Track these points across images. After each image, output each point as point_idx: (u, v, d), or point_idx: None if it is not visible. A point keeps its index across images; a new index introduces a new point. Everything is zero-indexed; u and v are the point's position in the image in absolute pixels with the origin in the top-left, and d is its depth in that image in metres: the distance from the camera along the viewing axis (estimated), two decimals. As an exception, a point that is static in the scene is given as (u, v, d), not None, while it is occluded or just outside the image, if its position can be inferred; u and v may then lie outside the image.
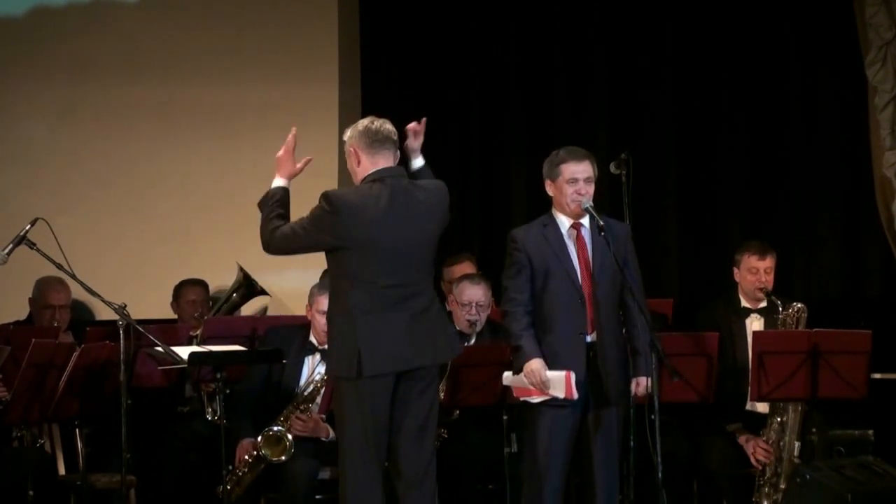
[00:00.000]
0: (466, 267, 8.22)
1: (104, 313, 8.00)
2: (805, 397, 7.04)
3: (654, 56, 9.53)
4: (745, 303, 7.66)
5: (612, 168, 6.72)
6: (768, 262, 7.65)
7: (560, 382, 6.10)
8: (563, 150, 6.41)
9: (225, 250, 9.05)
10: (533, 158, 9.57)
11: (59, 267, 6.45)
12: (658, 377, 6.43)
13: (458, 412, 7.15)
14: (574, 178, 6.30)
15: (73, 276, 6.47)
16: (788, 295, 7.72)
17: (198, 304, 8.36)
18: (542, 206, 9.70)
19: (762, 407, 7.37)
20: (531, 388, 6.16)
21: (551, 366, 6.14)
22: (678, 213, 9.51)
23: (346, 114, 9.41)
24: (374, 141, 5.97)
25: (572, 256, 6.27)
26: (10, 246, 6.45)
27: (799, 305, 7.41)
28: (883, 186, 9.21)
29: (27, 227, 6.49)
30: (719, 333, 7.35)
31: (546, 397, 6.15)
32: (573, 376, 6.09)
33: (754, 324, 7.59)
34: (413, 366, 5.85)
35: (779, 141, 9.50)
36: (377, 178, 5.91)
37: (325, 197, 5.87)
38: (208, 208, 9.18)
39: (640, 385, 6.26)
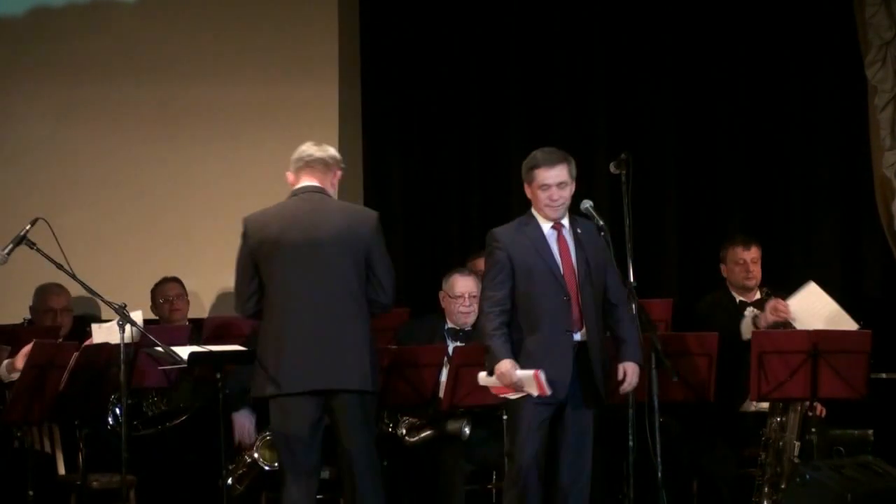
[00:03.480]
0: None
1: (104, 313, 8.00)
2: (805, 397, 7.04)
3: (653, 56, 9.53)
4: (738, 297, 7.67)
5: (612, 168, 6.67)
6: (753, 253, 7.68)
7: (531, 381, 6.04)
8: (538, 152, 6.33)
9: (225, 250, 9.03)
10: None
11: (60, 267, 6.45)
12: (658, 377, 6.44)
13: (465, 426, 7.13)
14: (545, 185, 6.23)
15: (73, 276, 6.46)
16: (788, 294, 7.72)
17: (172, 302, 8.33)
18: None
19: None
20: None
21: (539, 364, 6.09)
22: (678, 213, 9.51)
23: (346, 114, 9.42)
24: (297, 160, 6.33)
25: (555, 255, 6.21)
26: (10, 246, 6.44)
27: (799, 305, 7.42)
28: (883, 186, 9.21)
29: (27, 227, 6.48)
30: (720, 321, 7.38)
31: (523, 394, 6.12)
32: (542, 374, 6.02)
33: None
34: (319, 387, 6.04)
35: (779, 141, 9.51)
36: (293, 193, 6.29)
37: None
38: (208, 208, 9.17)
39: (629, 371, 6.21)
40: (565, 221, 6.27)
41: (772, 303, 7.38)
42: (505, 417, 6.73)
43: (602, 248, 6.26)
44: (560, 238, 6.24)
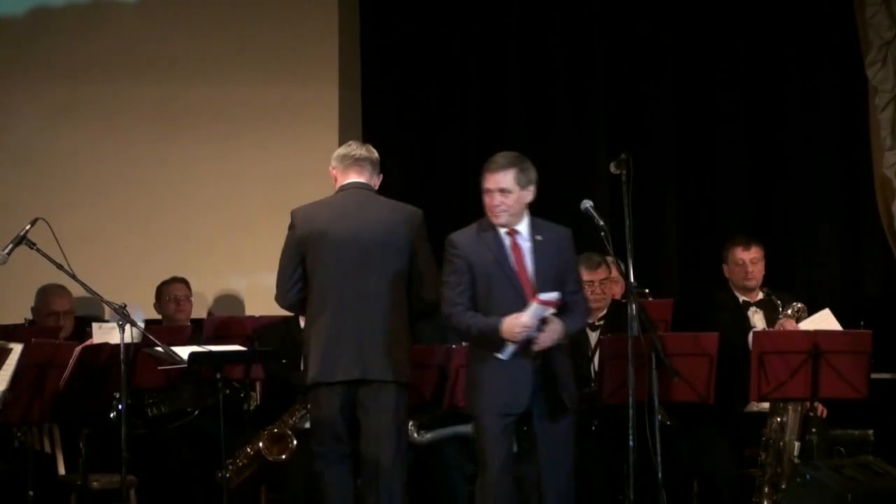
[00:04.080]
0: None
1: (105, 313, 8.00)
2: (805, 397, 7.04)
3: (654, 56, 9.53)
4: (742, 297, 7.67)
5: (612, 168, 6.61)
6: (753, 253, 7.66)
7: (539, 309, 5.89)
8: (498, 154, 6.18)
9: (225, 250, 9.05)
10: (533, 159, 9.57)
11: (60, 267, 6.45)
12: (658, 377, 6.43)
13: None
14: (486, 189, 6.10)
15: (73, 276, 6.46)
16: (789, 293, 7.73)
17: (179, 302, 8.33)
18: (542, 206, 9.72)
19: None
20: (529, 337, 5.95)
21: (498, 376, 5.99)
22: (678, 214, 9.51)
23: (345, 114, 9.42)
24: (345, 157, 6.44)
25: (512, 263, 6.07)
26: (10, 246, 6.44)
27: (799, 305, 7.41)
28: (883, 186, 9.21)
29: (27, 227, 6.48)
30: (723, 321, 7.36)
31: (540, 322, 5.92)
32: (541, 295, 5.88)
33: (755, 317, 7.60)
34: (351, 377, 6.16)
35: (779, 141, 9.50)
36: (341, 189, 6.38)
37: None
38: (208, 208, 9.18)
39: (554, 326, 5.94)
40: (522, 228, 6.12)
41: (782, 321, 7.37)
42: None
43: (561, 256, 6.11)
44: (514, 245, 6.11)
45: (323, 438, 6.26)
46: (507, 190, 6.07)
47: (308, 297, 6.28)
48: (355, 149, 6.45)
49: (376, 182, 6.46)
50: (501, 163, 6.11)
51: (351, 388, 6.20)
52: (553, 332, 5.97)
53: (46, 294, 7.90)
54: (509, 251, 6.09)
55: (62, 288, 7.73)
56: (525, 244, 6.11)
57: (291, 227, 6.33)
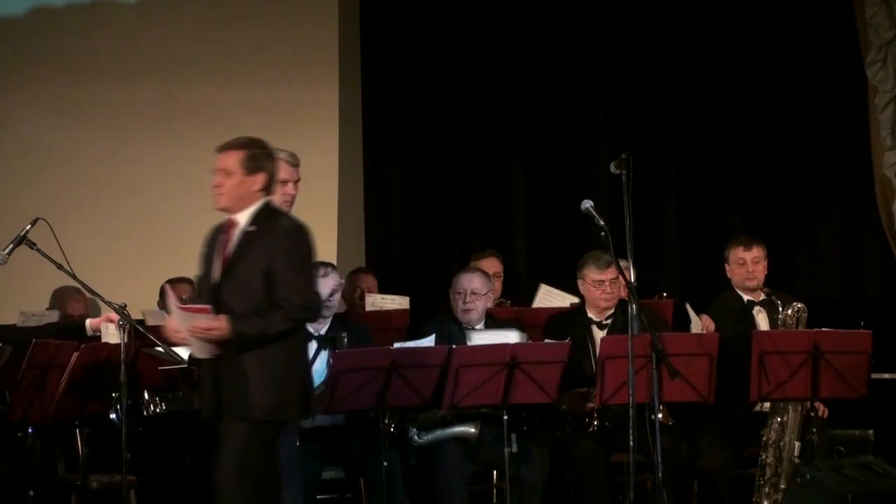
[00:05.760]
0: (491, 263, 8.19)
1: (105, 313, 8.00)
2: (806, 397, 7.04)
3: (654, 56, 9.54)
4: (746, 297, 7.67)
5: (612, 168, 6.58)
6: (755, 253, 7.65)
7: (184, 315, 5.61)
8: None
9: (225, 250, 9.03)
10: (533, 159, 9.61)
11: (60, 267, 6.45)
12: (658, 377, 6.43)
13: (475, 428, 7.11)
14: (213, 169, 5.78)
15: (74, 276, 6.46)
16: (788, 294, 7.73)
17: (184, 303, 8.31)
18: (542, 206, 9.75)
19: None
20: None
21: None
22: (678, 214, 9.51)
23: (345, 114, 9.41)
24: None
25: (216, 255, 5.75)
26: (10, 246, 6.45)
27: (799, 305, 7.41)
28: (883, 186, 9.22)
29: (27, 227, 6.49)
30: (728, 321, 7.37)
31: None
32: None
33: (759, 316, 7.60)
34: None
35: (779, 141, 9.51)
36: None
37: None
38: (208, 208, 9.11)
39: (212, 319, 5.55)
40: (242, 217, 5.72)
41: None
42: (505, 417, 6.73)
43: (271, 252, 5.59)
44: (227, 237, 5.75)
45: None
46: (228, 171, 5.73)
47: None
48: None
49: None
50: (230, 143, 5.77)
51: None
52: (200, 321, 5.57)
53: (62, 297, 7.89)
54: (220, 243, 5.76)
55: (77, 291, 7.70)
56: (235, 236, 5.73)
57: None
